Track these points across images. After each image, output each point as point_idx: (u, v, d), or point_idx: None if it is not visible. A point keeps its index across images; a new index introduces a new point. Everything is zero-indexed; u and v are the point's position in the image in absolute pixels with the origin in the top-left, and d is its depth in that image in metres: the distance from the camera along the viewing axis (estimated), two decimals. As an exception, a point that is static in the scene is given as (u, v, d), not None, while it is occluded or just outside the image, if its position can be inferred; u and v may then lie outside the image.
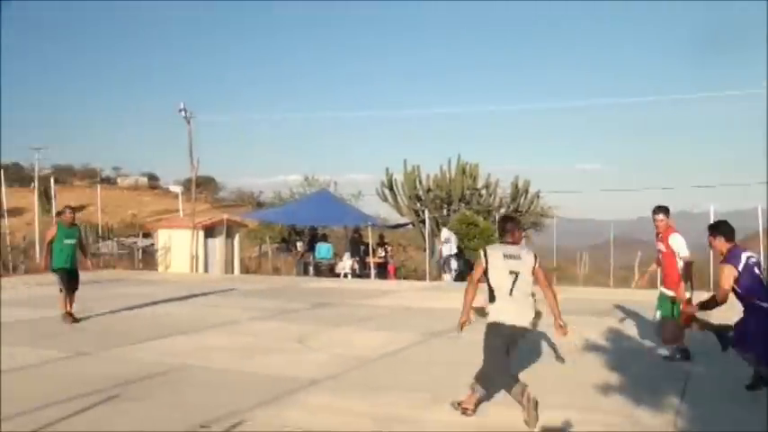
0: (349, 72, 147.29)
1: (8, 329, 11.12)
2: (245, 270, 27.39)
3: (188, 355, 8.98)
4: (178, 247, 25.14)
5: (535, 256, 6.38)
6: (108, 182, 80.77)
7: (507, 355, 6.38)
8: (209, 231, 25.42)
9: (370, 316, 12.84)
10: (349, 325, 11.65)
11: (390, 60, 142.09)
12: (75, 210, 12.90)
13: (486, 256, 6.37)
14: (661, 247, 8.86)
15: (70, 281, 11.89)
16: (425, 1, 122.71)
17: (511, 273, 6.18)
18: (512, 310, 6.19)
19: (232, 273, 25.54)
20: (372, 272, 23.22)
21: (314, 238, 26.03)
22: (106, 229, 34.28)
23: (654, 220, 8.93)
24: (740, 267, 6.81)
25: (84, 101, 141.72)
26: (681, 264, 8.56)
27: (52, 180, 40.45)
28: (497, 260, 6.25)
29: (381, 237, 25.89)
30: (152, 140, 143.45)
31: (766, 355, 6.80)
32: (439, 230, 27.21)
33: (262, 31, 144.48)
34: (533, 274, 6.25)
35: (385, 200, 29.63)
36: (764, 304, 6.74)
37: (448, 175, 28.93)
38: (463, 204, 28.27)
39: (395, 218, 30.25)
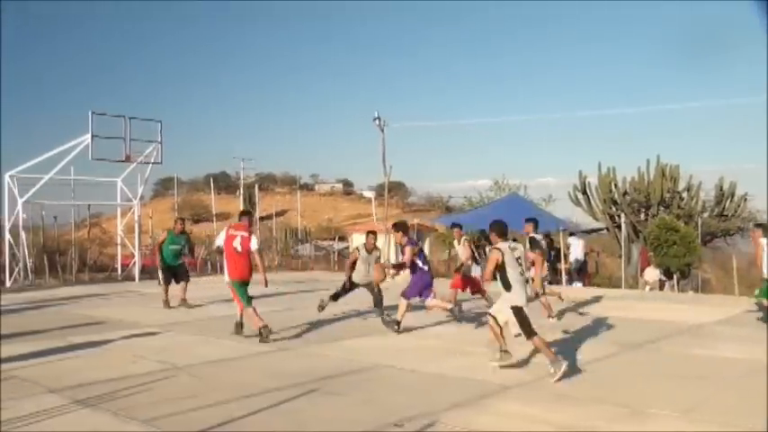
0: (540, 77, 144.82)
1: (216, 324, 11.99)
2: (436, 273, 27.64)
3: (379, 354, 9.19)
4: (371, 250, 25.85)
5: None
6: (306, 188, 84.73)
7: (370, 292, 11.95)
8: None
9: (562, 323, 12.47)
10: (539, 331, 11.37)
11: (582, 62, 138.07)
12: (184, 221, 15.88)
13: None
14: None
15: (176, 275, 14.55)
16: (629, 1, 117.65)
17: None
18: (361, 272, 11.86)
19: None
20: (564, 278, 22.59)
21: (504, 243, 25.76)
22: (304, 232, 36.04)
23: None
24: None
25: (285, 113, 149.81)
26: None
27: (256, 187, 43.16)
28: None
29: (574, 242, 25.14)
30: (347, 149, 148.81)
31: None
32: (636, 236, 26.04)
33: (453, 36, 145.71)
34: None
35: (578, 204, 28.79)
36: None
37: (646, 178, 27.58)
38: (663, 208, 26.87)
39: (588, 222, 29.32)
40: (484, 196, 36.45)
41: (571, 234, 23.34)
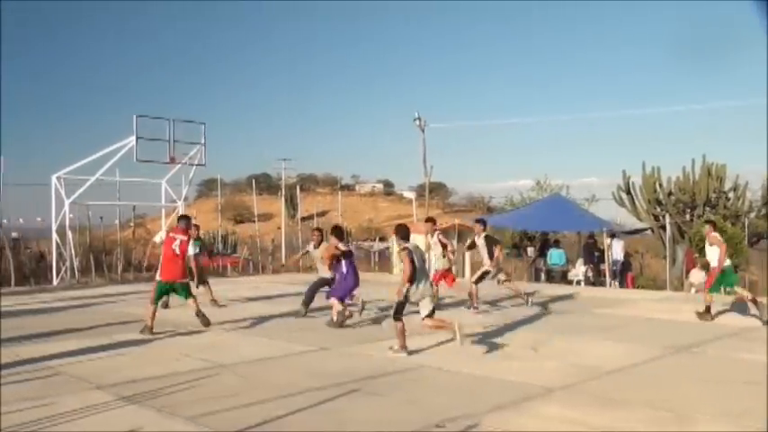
0: (582, 76, 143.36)
1: (259, 324, 12.09)
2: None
3: (422, 355, 9.16)
4: (412, 250, 25.76)
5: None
6: (347, 189, 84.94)
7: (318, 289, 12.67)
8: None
9: (607, 326, 12.31)
10: (584, 334, 11.26)
11: (624, 61, 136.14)
12: (198, 227, 15.77)
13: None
14: None
15: (198, 278, 14.48)
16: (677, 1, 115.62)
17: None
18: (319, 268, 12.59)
19: (463, 277, 25.77)
20: (608, 279, 22.29)
21: (546, 244, 25.54)
22: (345, 233, 36.11)
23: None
24: None
25: (326, 114, 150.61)
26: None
27: (297, 188, 43.49)
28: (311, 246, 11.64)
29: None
30: (388, 149, 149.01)
31: None
32: (681, 237, 25.60)
33: (493, 35, 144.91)
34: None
35: (622, 204, 28.39)
36: None
37: (691, 177, 27.09)
38: (708, 209, 26.38)
39: (632, 223, 28.89)
40: (525, 197, 36.10)
41: (612, 235, 23.02)
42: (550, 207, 25.84)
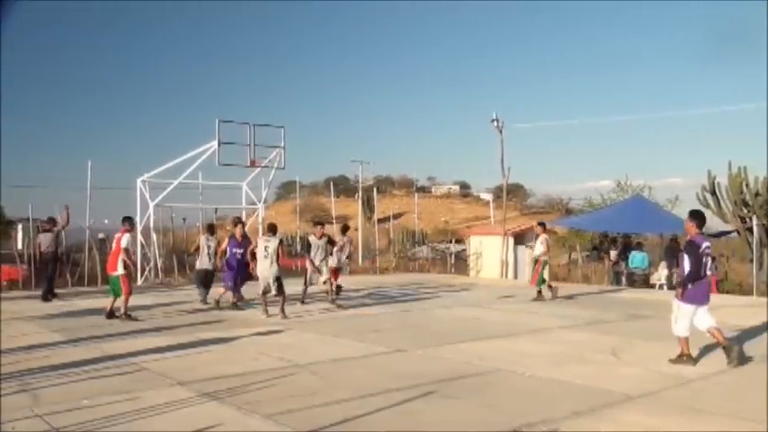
0: (665, 74, 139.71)
1: (336, 324, 12.20)
2: (554, 278, 27.09)
3: (499, 358, 9.08)
4: (489, 253, 25.63)
5: (280, 241, 13.29)
6: (423, 191, 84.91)
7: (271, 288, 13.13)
8: (519, 238, 25.57)
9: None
10: (666, 340, 10.89)
11: (708, 58, 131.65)
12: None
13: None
14: None
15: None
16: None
17: (266, 248, 12.95)
18: (265, 266, 12.93)
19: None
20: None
21: (627, 247, 24.95)
22: (421, 234, 36.13)
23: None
24: None
25: (403, 116, 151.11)
26: None
27: (374, 190, 43.74)
28: (260, 242, 13.25)
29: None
30: (465, 151, 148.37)
31: None
32: (769, 240, 24.63)
33: (572, 36, 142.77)
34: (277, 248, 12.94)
35: (707, 206, 27.46)
36: None
37: (781, 177, 25.97)
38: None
39: (716, 225, 27.92)
40: (605, 198, 35.30)
41: None
42: (631, 208, 25.25)
